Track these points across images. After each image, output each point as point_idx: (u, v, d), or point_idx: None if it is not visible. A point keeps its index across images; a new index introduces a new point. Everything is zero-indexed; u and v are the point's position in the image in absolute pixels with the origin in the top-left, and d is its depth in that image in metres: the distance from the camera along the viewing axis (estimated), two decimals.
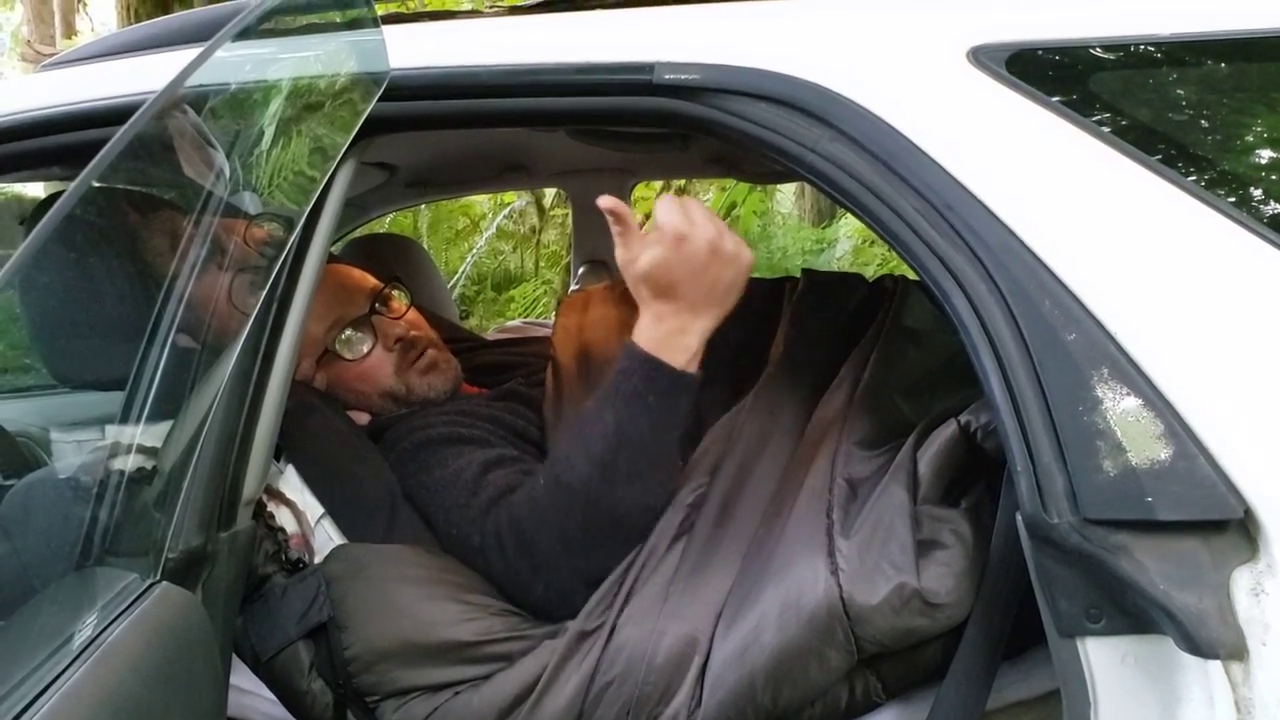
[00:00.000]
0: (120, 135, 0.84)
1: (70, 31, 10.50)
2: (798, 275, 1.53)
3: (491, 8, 1.55)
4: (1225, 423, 0.83)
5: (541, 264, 8.23)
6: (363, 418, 1.57)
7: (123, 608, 0.86)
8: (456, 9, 1.58)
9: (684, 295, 1.20)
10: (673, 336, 1.21)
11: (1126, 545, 0.83)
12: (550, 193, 7.51)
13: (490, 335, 2.30)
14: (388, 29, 1.18)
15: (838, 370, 1.36)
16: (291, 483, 1.34)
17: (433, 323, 1.72)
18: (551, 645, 1.21)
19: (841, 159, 1.02)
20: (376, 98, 1.14)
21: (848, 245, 5.94)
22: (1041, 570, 0.88)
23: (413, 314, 1.64)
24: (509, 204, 7.85)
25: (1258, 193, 1.00)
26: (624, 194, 2.79)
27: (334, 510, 1.33)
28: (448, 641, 1.22)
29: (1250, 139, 1.07)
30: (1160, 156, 0.96)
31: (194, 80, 0.94)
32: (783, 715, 1.12)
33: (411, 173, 2.38)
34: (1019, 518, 0.91)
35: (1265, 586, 0.80)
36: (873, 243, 5.70)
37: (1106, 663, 0.87)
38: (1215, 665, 0.81)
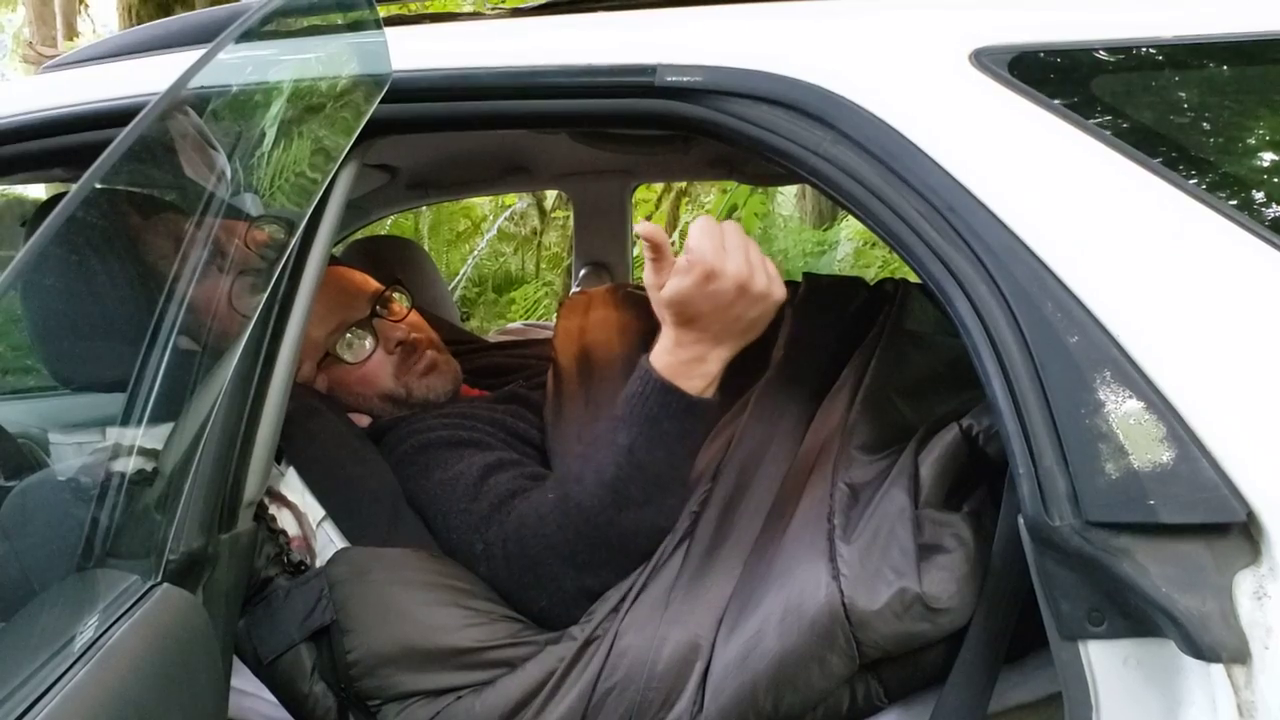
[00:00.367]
0: (123, 137, 0.84)
1: (72, 33, 10.51)
2: (799, 278, 1.53)
3: (493, 10, 1.55)
4: (1228, 425, 0.83)
5: (542, 266, 8.24)
6: (363, 420, 1.57)
7: (124, 609, 0.86)
8: (458, 11, 1.58)
9: (707, 328, 1.17)
10: (691, 364, 1.19)
11: (1128, 548, 0.83)
12: (551, 195, 7.52)
13: (491, 337, 2.30)
14: (390, 31, 1.18)
15: (839, 374, 1.36)
16: (293, 485, 1.34)
17: (434, 324, 1.72)
18: (554, 651, 1.21)
19: (844, 161, 1.01)
20: (378, 100, 1.14)
21: (849, 247, 5.94)
22: (1043, 573, 0.88)
23: (414, 316, 1.64)
24: (510, 206, 7.86)
25: (1260, 195, 1.00)
26: (625, 196, 2.79)
27: (335, 512, 1.33)
28: (450, 647, 1.22)
29: (1252, 141, 1.07)
30: (1162, 159, 0.95)
31: (196, 82, 0.94)
32: None
33: (413, 175, 2.39)
34: (1021, 520, 0.90)
35: (1268, 590, 0.80)
36: (874, 245, 5.70)
37: (1108, 666, 0.87)
38: (1217, 669, 0.80)
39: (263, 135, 1.09)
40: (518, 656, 1.23)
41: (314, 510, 1.33)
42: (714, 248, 1.11)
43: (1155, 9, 1.06)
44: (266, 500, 1.31)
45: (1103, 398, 0.86)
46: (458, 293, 7.33)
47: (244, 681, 1.35)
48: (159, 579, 0.94)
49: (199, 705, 0.92)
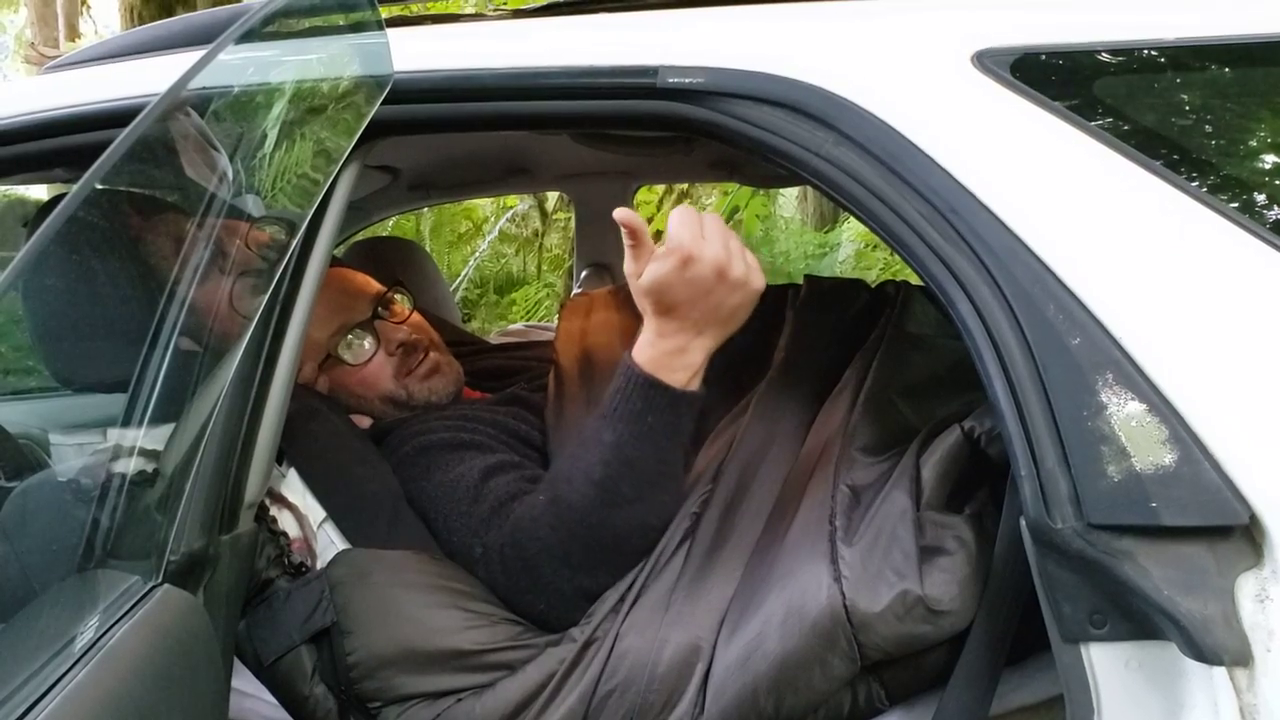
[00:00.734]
0: (123, 137, 0.84)
1: (74, 34, 10.52)
2: (800, 280, 1.53)
3: (495, 11, 1.55)
4: (1230, 428, 0.83)
5: (544, 267, 8.24)
6: (365, 421, 1.57)
7: (125, 610, 0.86)
8: (460, 12, 1.58)
9: (687, 315, 1.16)
10: (673, 355, 1.19)
11: (1131, 550, 0.83)
12: (553, 196, 7.52)
13: (493, 339, 2.30)
14: (391, 32, 1.18)
15: (840, 376, 1.36)
16: (293, 486, 1.34)
17: (435, 326, 1.72)
18: (554, 654, 1.21)
19: (846, 163, 1.01)
20: (380, 101, 1.13)
21: (850, 249, 5.95)
22: (1045, 575, 0.88)
23: (416, 317, 1.64)
24: (511, 207, 7.86)
25: (1262, 197, 1.00)
26: (627, 198, 2.79)
27: (336, 514, 1.33)
28: (450, 649, 1.22)
29: (1255, 144, 1.07)
30: (1164, 161, 0.95)
31: (198, 82, 0.94)
32: None
33: (415, 176, 2.39)
34: (1023, 523, 0.90)
35: (1270, 592, 0.80)
36: (875, 247, 5.71)
37: (1110, 668, 0.86)
38: (1219, 671, 0.80)
39: (265, 136, 1.09)
40: (518, 659, 1.23)
41: (315, 511, 1.33)
42: (692, 234, 1.12)
43: (1157, 11, 1.06)
44: (267, 501, 1.31)
45: (1105, 400, 0.86)
46: (459, 294, 7.33)
47: (244, 683, 1.35)
48: (160, 580, 0.94)
49: (199, 706, 0.92)
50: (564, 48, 1.15)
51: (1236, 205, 0.93)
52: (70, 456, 1.83)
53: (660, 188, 6.37)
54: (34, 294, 0.98)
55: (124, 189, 1.10)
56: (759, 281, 1.16)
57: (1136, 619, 0.85)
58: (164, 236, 1.14)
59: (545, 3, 1.27)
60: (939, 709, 1.08)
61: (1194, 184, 0.94)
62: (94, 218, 0.88)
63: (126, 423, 0.92)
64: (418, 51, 1.17)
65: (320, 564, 1.30)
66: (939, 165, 0.97)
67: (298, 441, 1.36)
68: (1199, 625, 0.79)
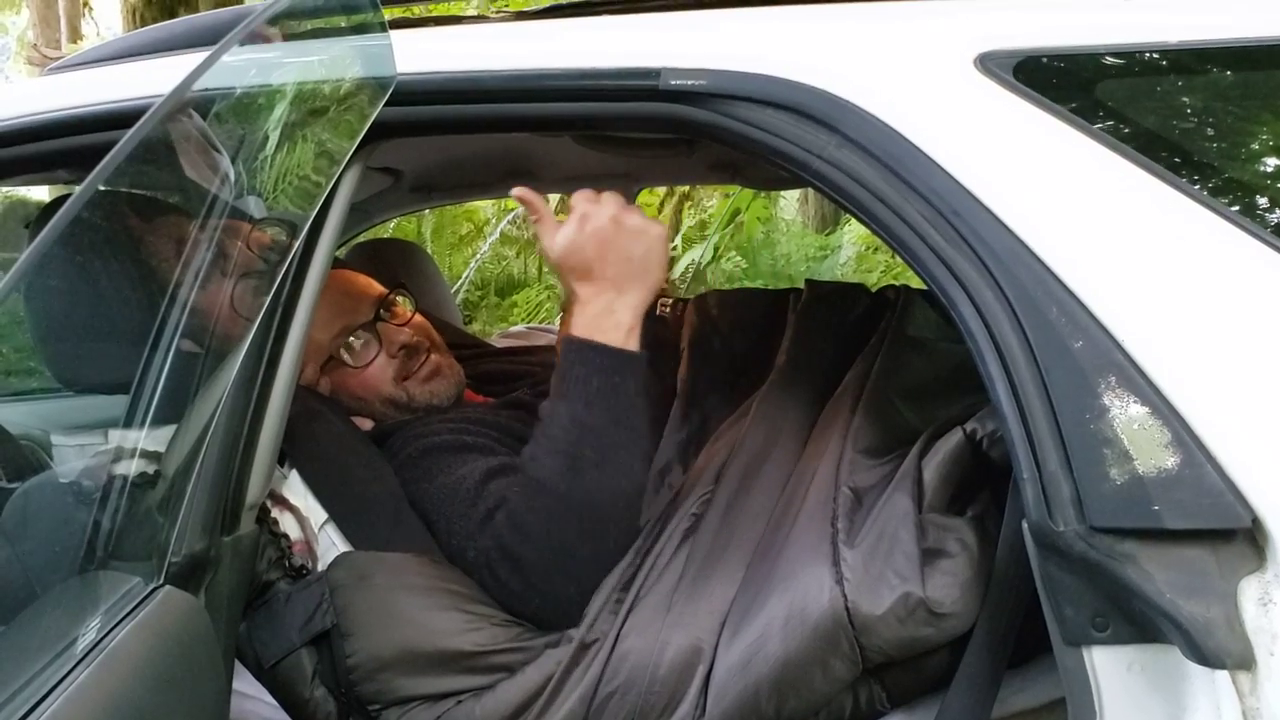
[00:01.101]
0: (127, 139, 0.84)
1: (76, 35, 10.54)
2: (801, 282, 1.53)
3: (497, 13, 1.55)
4: (1233, 431, 0.83)
5: (545, 270, 8.23)
6: (366, 423, 1.57)
7: (126, 611, 0.86)
8: (462, 14, 1.58)
9: (602, 273, 1.25)
10: (601, 317, 1.25)
11: (1133, 553, 0.83)
12: (554, 198, 7.51)
13: (496, 341, 2.30)
14: (394, 34, 1.18)
15: (841, 379, 1.36)
16: (295, 488, 1.34)
17: (438, 328, 1.72)
18: (553, 655, 1.21)
19: (848, 165, 1.01)
20: (383, 103, 1.14)
21: (851, 252, 5.94)
22: (1047, 578, 0.88)
23: (418, 319, 1.64)
24: (513, 209, 7.85)
25: (1264, 200, 1.00)
26: (628, 199, 2.78)
27: (337, 515, 1.33)
28: (450, 651, 1.22)
29: (1257, 146, 1.07)
30: (1167, 164, 0.95)
31: (200, 84, 0.94)
32: None
33: (417, 178, 2.38)
34: (1025, 525, 0.90)
35: (1273, 596, 0.80)
36: (876, 249, 5.70)
37: (1112, 671, 0.86)
38: (1222, 675, 0.80)
39: (267, 138, 1.09)
40: (518, 661, 1.22)
41: (316, 513, 1.33)
42: (587, 196, 1.27)
43: (1160, 13, 1.06)
44: (269, 503, 1.31)
45: (1107, 402, 0.86)
46: (460, 296, 7.32)
47: (245, 684, 1.34)
48: (161, 581, 0.93)
49: (201, 708, 0.92)
50: (566, 50, 1.15)
51: (1238, 208, 0.93)
52: (72, 458, 1.84)
53: (662, 190, 6.38)
54: (37, 295, 0.98)
55: (128, 190, 1.10)
56: (658, 228, 1.28)
57: (1139, 622, 0.85)
58: (166, 238, 1.14)
59: (548, 5, 1.27)
60: (940, 712, 1.08)
61: (1196, 186, 0.94)
62: (97, 219, 0.88)
63: (128, 424, 0.92)
64: (420, 53, 1.17)
65: (321, 566, 1.30)
66: (941, 168, 0.97)
67: (299, 443, 1.36)
68: (1201, 628, 0.79)
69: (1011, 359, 0.90)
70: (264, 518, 1.29)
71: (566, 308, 1.35)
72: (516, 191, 1.29)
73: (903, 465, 1.20)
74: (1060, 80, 1.03)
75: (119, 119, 1.18)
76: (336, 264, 1.60)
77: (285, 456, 1.34)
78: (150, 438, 0.93)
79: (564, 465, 1.22)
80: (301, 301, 1.15)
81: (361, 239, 2.76)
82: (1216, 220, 0.91)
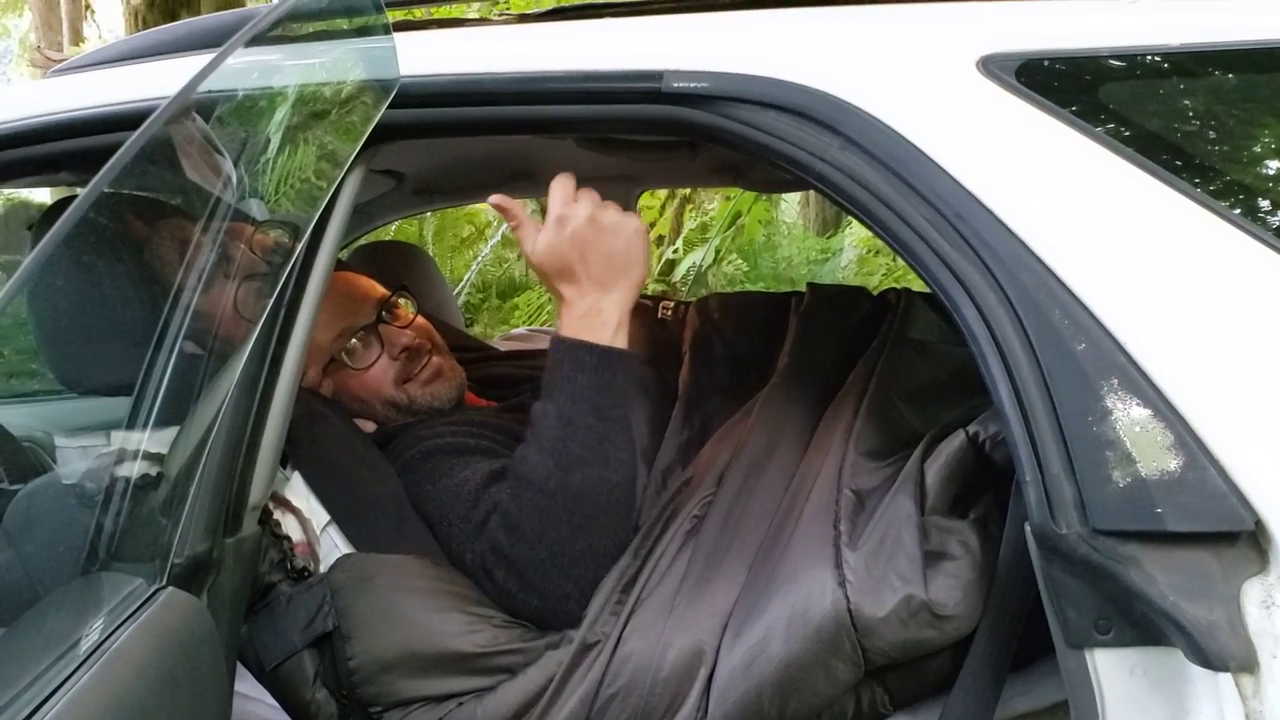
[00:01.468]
0: (133, 141, 0.84)
1: (78, 38, 10.55)
2: (803, 285, 1.53)
3: (500, 15, 1.55)
4: (1235, 433, 0.83)
5: None
6: (368, 425, 1.57)
7: (129, 613, 0.86)
8: (465, 17, 1.58)
9: (585, 274, 1.26)
10: (588, 317, 1.26)
11: (1136, 556, 0.83)
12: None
13: (498, 343, 2.30)
14: (398, 36, 1.18)
15: (843, 382, 1.36)
16: (297, 490, 1.34)
17: (440, 330, 1.72)
18: (556, 656, 1.21)
19: (851, 168, 1.01)
20: (386, 105, 1.14)
21: (853, 254, 5.95)
22: (1050, 581, 0.88)
23: (420, 320, 1.64)
24: None
25: (1266, 203, 1.00)
26: (630, 202, 2.79)
27: (340, 517, 1.33)
28: (452, 653, 1.22)
29: (1259, 149, 1.07)
30: (1169, 166, 0.95)
31: (205, 87, 0.95)
32: None
33: (419, 180, 2.38)
34: (1027, 528, 0.90)
35: (1276, 598, 0.80)
36: (878, 252, 5.71)
37: (1115, 674, 0.86)
38: (1225, 678, 0.80)
39: (270, 141, 1.09)
40: (519, 662, 1.23)
41: (318, 515, 1.33)
42: (563, 198, 1.26)
43: (1162, 16, 1.06)
44: (271, 505, 1.31)
45: (1110, 405, 0.86)
46: (462, 298, 7.32)
47: (247, 686, 1.34)
48: (164, 583, 0.93)
49: (203, 709, 0.91)
50: (569, 52, 1.15)
51: (1241, 210, 0.93)
52: (75, 459, 1.83)
53: (663, 192, 6.38)
54: (41, 296, 0.98)
55: (132, 193, 1.10)
56: (634, 222, 1.27)
57: (1141, 625, 0.85)
58: (170, 240, 1.14)
59: (550, 7, 1.27)
60: (943, 714, 1.08)
61: (1198, 189, 0.94)
62: (103, 221, 0.88)
63: (131, 425, 0.92)
64: (423, 56, 1.17)
65: (323, 568, 1.30)
66: (944, 170, 0.97)
67: (302, 445, 1.36)
68: (1204, 631, 0.79)
69: (1014, 361, 0.90)
70: (266, 519, 1.29)
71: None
72: (494, 199, 1.29)
73: (905, 467, 1.20)
74: (1062, 83, 1.03)
75: (122, 121, 1.18)
76: (339, 266, 1.60)
77: (287, 458, 1.34)
78: (153, 439, 0.93)
79: (552, 463, 1.23)
80: (304, 304, 1.15)
81: (363, 241, 2.77)
82: (1218, 222, 0.91)
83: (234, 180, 1.02)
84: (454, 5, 1.59)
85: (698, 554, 1.24)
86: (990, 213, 0.94)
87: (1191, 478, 0.82)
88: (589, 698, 1.16)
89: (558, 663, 1.20)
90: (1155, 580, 0.81)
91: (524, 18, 1.38)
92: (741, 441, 1.33)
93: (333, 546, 1.31)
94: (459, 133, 1.25)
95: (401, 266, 2.24)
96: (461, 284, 7.40)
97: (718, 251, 5.94)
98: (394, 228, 6.18)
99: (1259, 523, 0.81)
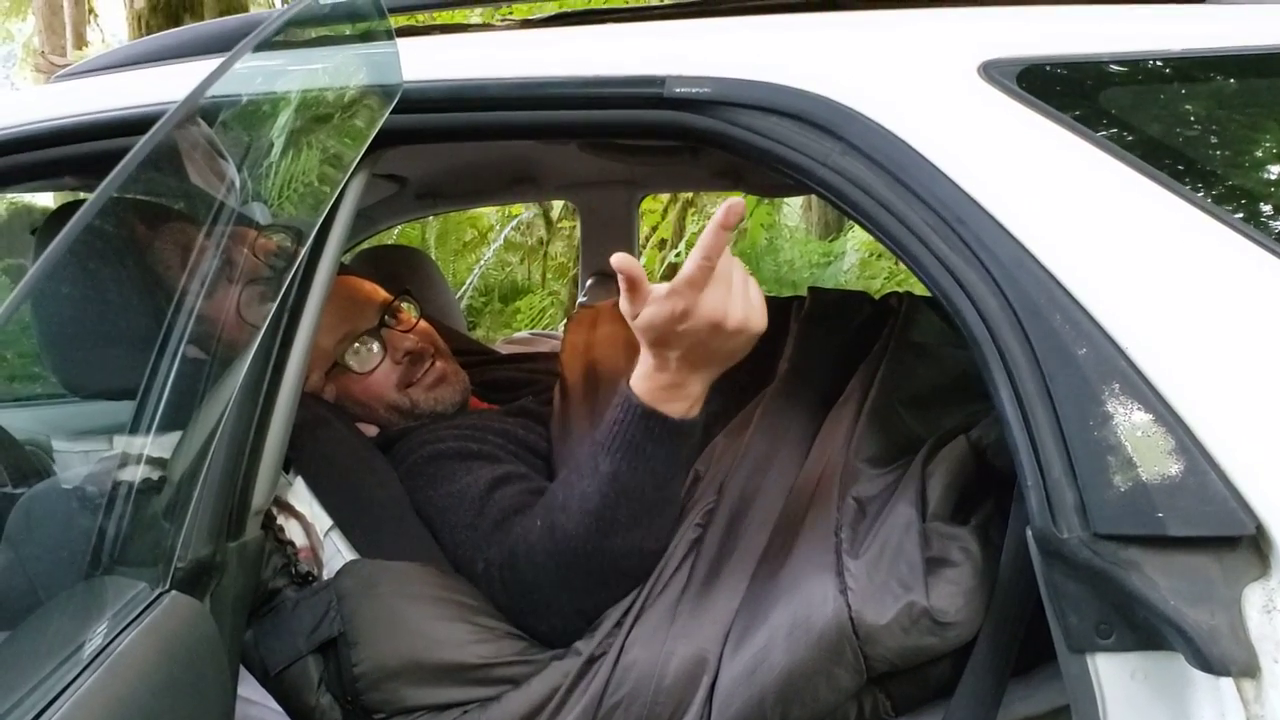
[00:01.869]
0: (140, 146, 0.84)
1: (81, 42, 10.58)
2: (804, 289, 1.53)
3: (503, 21, 1.55)
4: (1237, 438, 0.83)
5: (548, 276, 8.25)
6: (371, 430, 1.57)
7: (132, 617, 0.86)
8: (468, 22, 1.59)
9: (684, 358, 1.12)
10: (672, 390, 1.14)
11: (1137, 561, 0.83)
12: (558, 205, 7.53)
13: (500, 347, 2.30)
14: (400, 41, 1.18)
15: (844, 387, 1.36)
16: (300, 494, 1.34)
17: (443, 334, 1.73)
18: (559, 667, 1.21)
19: (852, 172, 1.02)
20: (389, 110, 1.14)
21: (855, 259, 5.95)
22: (1051, 585, 0.88)
23: (423, 324, 1.64)
24: (517, 216, 7.87)
25: (1268, 208, 1.00)
26: (632, 206, 2.79)
27: (342, 522, 1.33)
28: (456, 663, 1.22)
29: (1260, 154, 1.07)
30: (1170, 171, 0.95)
31: (211, 92, 0.95)
32: None
33: (421, 184, 2.39)
34: (1029, 533, 0.90)
35: (1277, 603, 0.80)
36: (880, 256, 5.71)
37: (1116, 679, 0.86)
38: (1227, 682, 0.80)
39: (274, 145, 1.09)
40: (523, 674, 1.22)
41: (321, 520, 1.33)
42: (691, 280, 1.04)
43: (1163, 22, 1.07)
44: (274, 510, 1.31)
45: (1111, 410, 0.86)
46: (464, 302, 7.33)
47: (250, 690, 1.34)
48: (167, 587, 0.94)
49: (206, 713, 0.92)
50: (571, 58, 1.15)
51: (1242, 215, 0.93)
52: (78, 464, 1.84)
53: (665, 196, 6.38)
54: (45, 301, 0.98)
55: (138, 198, 1.10)
56: (759, 324, 1.10)
57: (1143, 629, 0.85)
58: (174, 245, 1.14)
59: (553, 13, 1.27)
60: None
61: (1200, 194, 0.94)
62: (109, 226, 0.89)
63: (134, 430, 0.92)
64: (426, 61, 1.17)
65: (327, 572, 1.30)
66: (945, 175, 0.97)
67: (305, 449, 1.36)
68: (1206, 636, 0.79)
69: (1015, 366, 0.90)
70: (270, 524, 1.30)
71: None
72: (617, 261, 1.06)
73: (906, 474, 1.19)
74: (1063, 88, 1.03)
75: (125, 126, 1.19)
76: (341, 270, 1.61)
77: (290, 463, 1.34)
78: (156, 444, 0.93)
79: (594, 526, 1.17)
80: (307, 308, 1.16)
81: (366, 246, 2.77)
82: (1220, 227, 0.91)
83: (238, 185, 1.02)
84: (456, 10, 1.60)
85: (700, 563, 1.23)
86: (991, 217, 0.94)
87: (1193, 482, 0.82)
88: (592, 707, 1.16)
89: (563, 674, 1.20)
90: (1156, 585, 0.81)
91: (526, 23, 1.39)
92: (742, 449, 1.33)
93: (335, 551, 1.31)
94: (462, 138, 1.25)
95: (404, 271, 2.25)
96: (464, 288, 7.41)
97: None
98: (396, 232, 6.19)
99: (1260, 527, 0.81)
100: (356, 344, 1.55)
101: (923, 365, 1.36)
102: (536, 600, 1.24)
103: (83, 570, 0.89)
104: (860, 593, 1.07)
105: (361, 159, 1.17)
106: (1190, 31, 1.05)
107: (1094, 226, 0.93)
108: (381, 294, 1.63)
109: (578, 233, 3.24)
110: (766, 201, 5.43)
